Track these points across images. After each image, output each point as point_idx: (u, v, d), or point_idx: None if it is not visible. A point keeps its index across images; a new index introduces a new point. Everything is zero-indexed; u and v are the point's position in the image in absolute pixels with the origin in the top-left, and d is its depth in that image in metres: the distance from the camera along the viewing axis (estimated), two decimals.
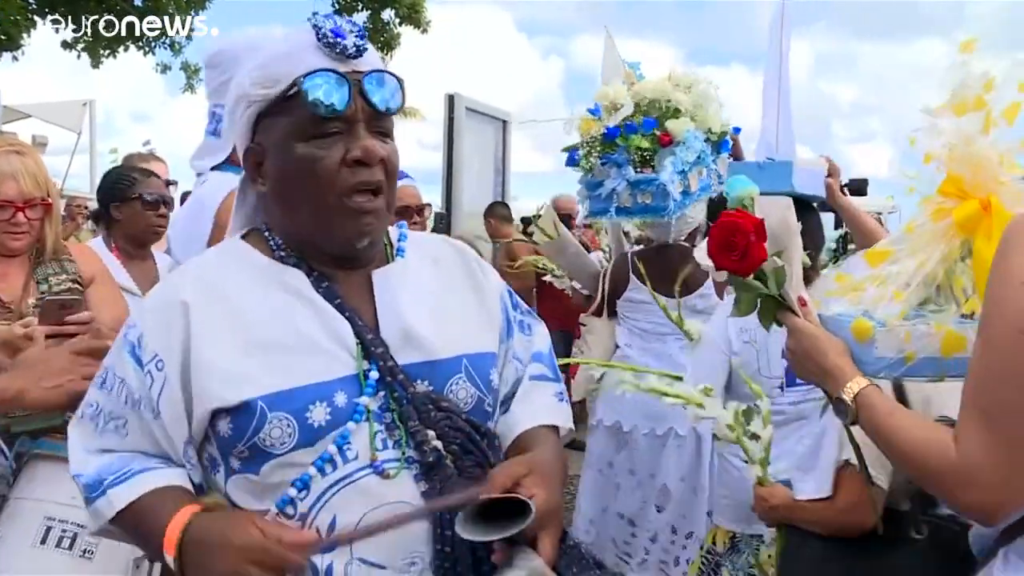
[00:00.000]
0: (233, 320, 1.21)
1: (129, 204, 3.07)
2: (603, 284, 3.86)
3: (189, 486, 1.24)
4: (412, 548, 1.18)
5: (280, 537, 1.09)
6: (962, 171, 1.36)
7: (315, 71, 1.17)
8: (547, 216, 3.98)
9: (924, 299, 1.38)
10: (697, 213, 3.58)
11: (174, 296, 1.23)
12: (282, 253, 1.28)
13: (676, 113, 3.43)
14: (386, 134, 1.25)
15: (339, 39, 1.19)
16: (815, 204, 2.92)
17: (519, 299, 1.51)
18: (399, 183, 2.66)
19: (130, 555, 1.95)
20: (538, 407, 1.40)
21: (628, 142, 3.37)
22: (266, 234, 1.31)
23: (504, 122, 7.78)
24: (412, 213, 2.77)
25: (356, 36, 1.21)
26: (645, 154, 3.36)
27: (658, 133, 3.36)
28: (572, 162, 3.55)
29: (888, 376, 1.38)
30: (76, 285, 2.29)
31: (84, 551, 1.97)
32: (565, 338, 6.25)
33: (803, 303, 1.47)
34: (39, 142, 9.68)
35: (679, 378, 2.41)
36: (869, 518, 1.70)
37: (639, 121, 3.39)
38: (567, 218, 6.56)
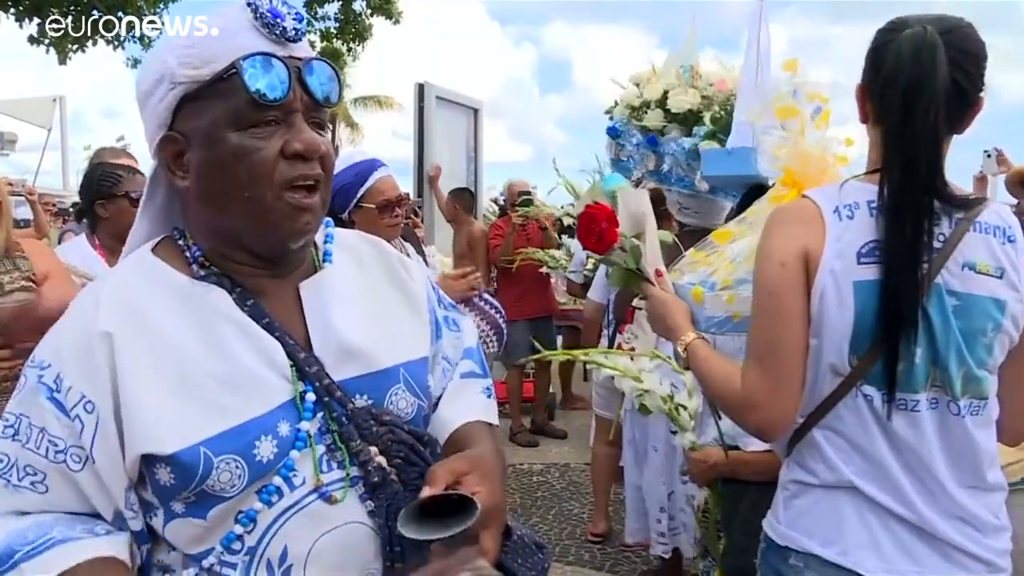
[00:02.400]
0: (160, 352, 1.12)
1: (115, 201, 3.12)
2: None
3: (123, 554, 1.12)
4: (366, 566, 1.18)
5: None
6: (794, 164, 1.74)
7: (254, 54, 1.10)
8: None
9: None
10: None
11: (92, 326, 1.12)
12: (202, 272, 1.20)
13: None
14: (322, 126, 1.20)
15: (277, 19, 1.13)
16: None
17: (442, 292, 1.53)
18: (377, 174, 2.84)
19: None
20: (469, 405, 1.41)
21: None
22: (180, 242, 1.24)
23: (475, 110, 7.94)
24: (393, 207, 2.82)
25: (294, 19, 1.16)
26: None
27: None
28: None
29: (719, 332, 1.78)
30: (29, 283, 2.35)
31: None
32: (532, 326, 6.53)
33: (659, 274, 1.84)
34: (8, 139, 9.68)
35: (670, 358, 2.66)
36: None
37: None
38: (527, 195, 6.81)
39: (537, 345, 3.26)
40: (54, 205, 7.96)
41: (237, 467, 1.10)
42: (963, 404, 1.53)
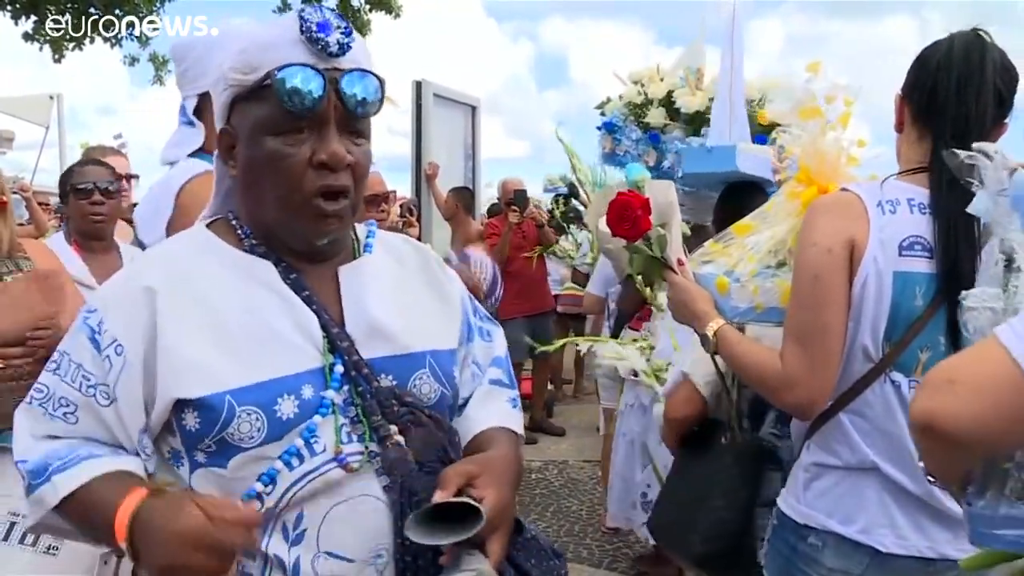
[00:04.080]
0: (201, 310, 1.21)
1: (68, 197, 3.13)
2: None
3: (140, 472, 1.22)
4: (377, 541, 1.22)
5: (223, 516, 1.06)
6: (810, 162, 1.83)
7: (290, 64, 1.17)
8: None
9: (782, 262, 1.83)
10: None
11: (138, 282, 1.23)
12: (252, 243, 1.30)
13: None
14: (360, 134, 1.26)
15: (323, 34, 1.19)
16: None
17: (478, 304, 1.57)
18: None
19: (96, 552, 1.92)
20: (493, 411, 1.45)
21: None
22: (234, 222, 1.33)
23: (473, 108, 7.92)
24: (379, 201, 2.94)
25: (342, 33, 1.21)
26: None
27: None
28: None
29: (743, 321, 1.87)
30: None
31: (48, 547, 1.97)
32: (530, 324, 6.57)
33: (681, 263, 1.95)
34: (5, 137, 9.71)
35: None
36: (688, 410, 2.25)
37: None
38: (522, 193, 6.82)
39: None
40: (49, 204, 7.88)
41: (257, 419, 1.17)
42: None
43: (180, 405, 1.18)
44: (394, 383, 1.29)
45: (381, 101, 1.26)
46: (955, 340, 1.61)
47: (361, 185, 1.28)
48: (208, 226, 1.35)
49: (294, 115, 1.18)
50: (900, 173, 1.71)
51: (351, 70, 1.21)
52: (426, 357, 1.33)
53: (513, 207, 6.62)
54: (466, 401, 1.47)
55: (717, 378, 2.11)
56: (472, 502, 1.14)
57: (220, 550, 1.06)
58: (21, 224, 5.44)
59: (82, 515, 1.19)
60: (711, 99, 3.79)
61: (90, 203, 3.08)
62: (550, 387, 7.71)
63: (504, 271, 6.59)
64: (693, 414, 2.27)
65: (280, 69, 1.17)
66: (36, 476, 1.20)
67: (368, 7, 11.62)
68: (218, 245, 1.30)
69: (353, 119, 1.23)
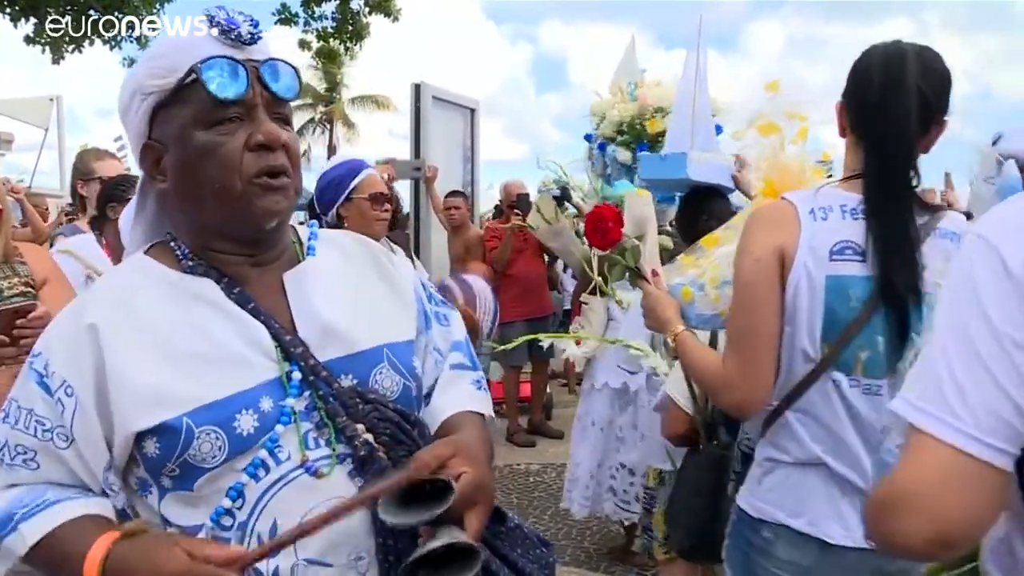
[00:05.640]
0: (146, 338, 1.21)
1: (125, 204, 3.20)
2: (598, 266, 4.35)
3: (110, 514, 1.23)
4: (357, 544, 1.21)
5: (208, 557, 1.07)
6: (773, 176, 1.95)
7: (212, 57, 1.20)
8: (547, 202, 4.29)
9: None
10: None
11: (80, 320, 1.23)
12: (190, 263, 1.29)
13: None
14: (285, 120, 1.29)
15: (233, 26, 1.22)
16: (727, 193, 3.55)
17: (432, 290, 1.58)
18: (365, 172, 2.98)
19: None
20: (459, 395, 1.45)
21: None
22: (172, 244, 1.32)
23: (472, 110, 7.96)
24: (383, 200, 3.02)
25: (250, 24, 1.24)
26: None
27: None
28: None
29: (708, 327, 2.02)
30: (28, 288, 2.38)
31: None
32: (530, 327, 6.54)
33: (655, 274, 2.07)
34: (4, 139, 9.74)
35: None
36: (677, 429, 2.50)
37: None
38: (525, 197, 6.86)
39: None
40: (47, 209, 7.88)
41: (217, 438, 1.17)
42: None
43: (140, 435, 1.17)
44: (355, 382, 1.28)
45: (299, 87, 1.30)
46: (892, 339, 1.69)
47: (296, 167, 1.29)
48: (148, 251, 1.35)
49: (223, 105, 1.21)
50: (840, 180, 1.79)
51: (267, 59, 1.25)
52: (383, 351, 1.33)
53: (516, 211, 6.64)
54: (431, 389, 1.47)
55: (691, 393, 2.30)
56: (446, 479, 1.13)
57: None
58: (16, 227, 5.48)
59: (51, 563, 1.19)
60: (634, 115, 4.01)
61: None
62: (548, 391, 7.72)
63: (505, 274, 6.66)
64: (683, 431, 2.47)
65: (203, 62, 1.20)
66: (2, 527, 1.20)
67: (367, 10, 11.63)
68: (157, 270, 1.29)
69: (278, 104, 1.27)
